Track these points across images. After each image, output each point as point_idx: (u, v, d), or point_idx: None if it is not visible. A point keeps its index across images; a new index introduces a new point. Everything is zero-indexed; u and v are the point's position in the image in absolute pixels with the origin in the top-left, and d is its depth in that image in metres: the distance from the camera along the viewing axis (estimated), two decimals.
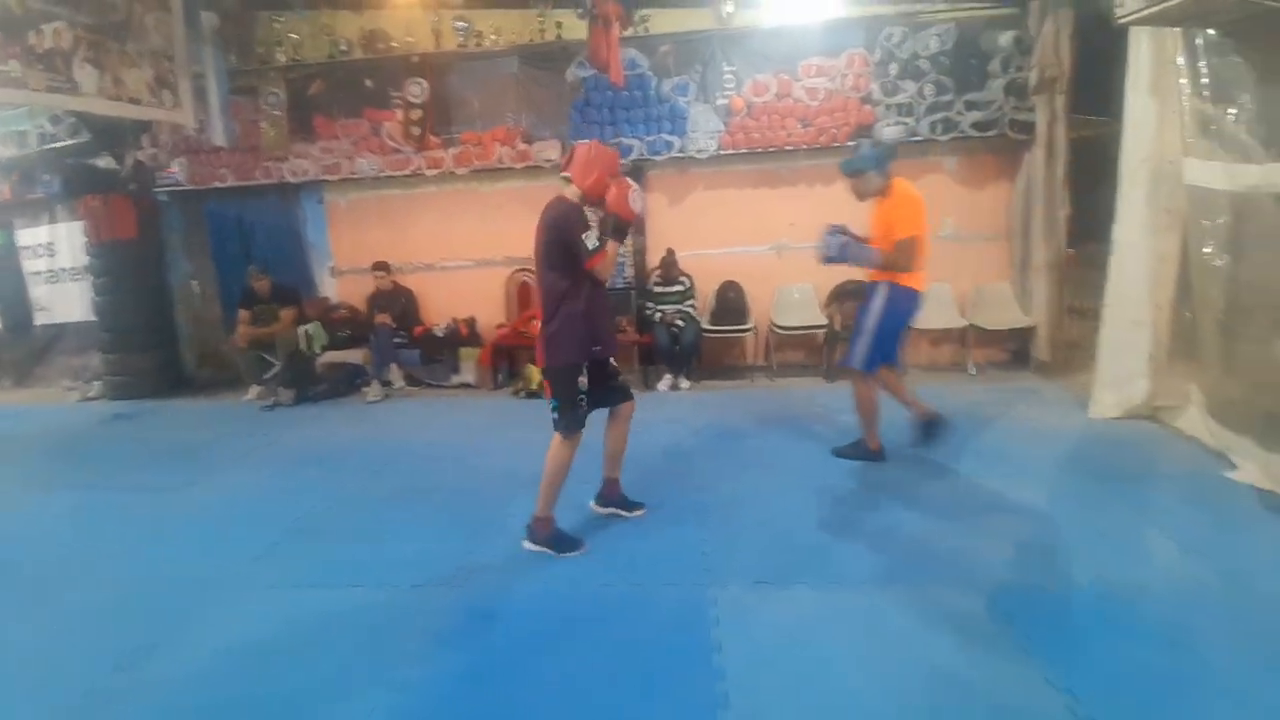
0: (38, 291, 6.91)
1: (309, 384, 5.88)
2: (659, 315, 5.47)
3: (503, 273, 6.16)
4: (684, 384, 5.48)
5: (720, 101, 5.58)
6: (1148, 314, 4.00)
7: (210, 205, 6.54)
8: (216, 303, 6.70)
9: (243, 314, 5.91)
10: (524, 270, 6.11)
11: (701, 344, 5.73)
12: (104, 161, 6.09)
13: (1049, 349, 5.26)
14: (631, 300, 5.83)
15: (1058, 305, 5.23)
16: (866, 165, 3.34)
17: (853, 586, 2.48)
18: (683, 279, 5.60)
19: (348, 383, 6.03)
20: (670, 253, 5.57)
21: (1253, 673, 1.93)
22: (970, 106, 5.29)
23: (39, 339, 7.10)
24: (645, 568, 2.69)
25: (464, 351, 6.03)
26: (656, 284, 5.63)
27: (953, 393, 4.93)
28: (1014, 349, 5.68)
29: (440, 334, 6.03)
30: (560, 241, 2.64)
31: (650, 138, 5.53)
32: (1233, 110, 3.37)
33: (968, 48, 5.30)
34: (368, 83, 5.95)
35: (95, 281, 6.17)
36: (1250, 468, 3.19)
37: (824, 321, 5.54)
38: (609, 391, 2.90)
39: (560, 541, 2.80)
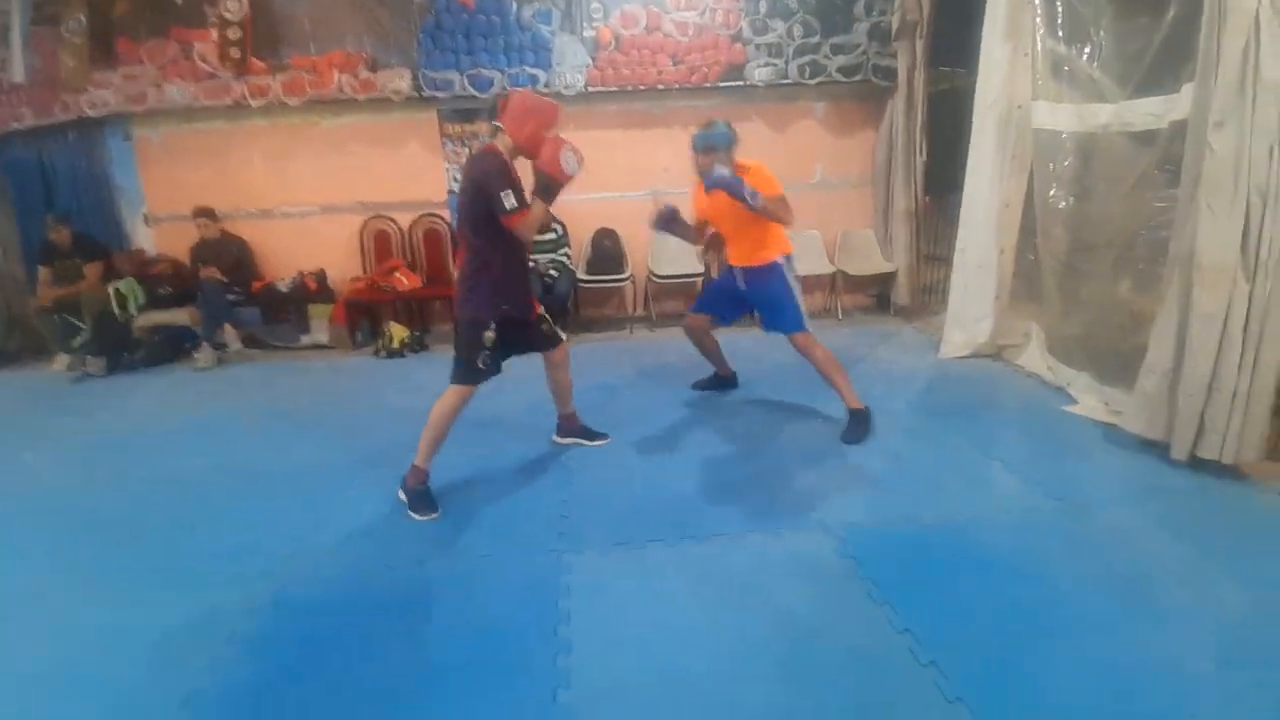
0: None
1: (124, 350, 5.10)
2: (531, 264, 5.15)
3: (355, 220, 5.56)
4: (562, 335, 5.23)
5: (587, 33, 5.20)
6: (993, 257, 4.19)
7: (9, 151, 5.42)
8: (19, 261, 5.63)
9: (43, 272, 5.04)
10: (381, 218, 5.56)
11: (578, 295, 5.51)
12: None
13: (908, 294, 5.48)
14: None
15: (915, 251, 5.43)
16: (722, 143, 3.24)
17: (705, 539, 2.42)
18: (555, 226, 5.30)
19: (173, 347, 5.28)
20: None
21: (1095, 597, 2.03)
22: (836, 50, 5.25)
23: None
24: (498, 535, 2.52)
25: (314, 309, 5.45)
26: None
27: (822, 337, 5.01)
28: (877, 294, 5.89)
29: (284, 289, 5.39)
30: (481, 196, 2.52)
31: (512, 70, 5.08)
32: (1087, 49, 3.48)
33: None
34: None
35: None
36: (1089, 400, 3.44)
37: (701, 270, 5.46)
38: (535, 338, 2.95)
39: (420, 500, 2.66)
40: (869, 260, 5.63)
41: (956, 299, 4.34)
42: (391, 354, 5.07)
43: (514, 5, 5.09)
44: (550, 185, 2.58)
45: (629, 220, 5.60)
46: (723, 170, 3.10)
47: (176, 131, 5.39)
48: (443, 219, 5.58)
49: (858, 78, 5.28)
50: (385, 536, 2.56)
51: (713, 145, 3.22)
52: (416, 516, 2.64)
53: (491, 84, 5.06)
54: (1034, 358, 4.04)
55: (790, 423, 3.50)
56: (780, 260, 3.40)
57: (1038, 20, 3.72)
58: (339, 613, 2.12)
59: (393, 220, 5.58)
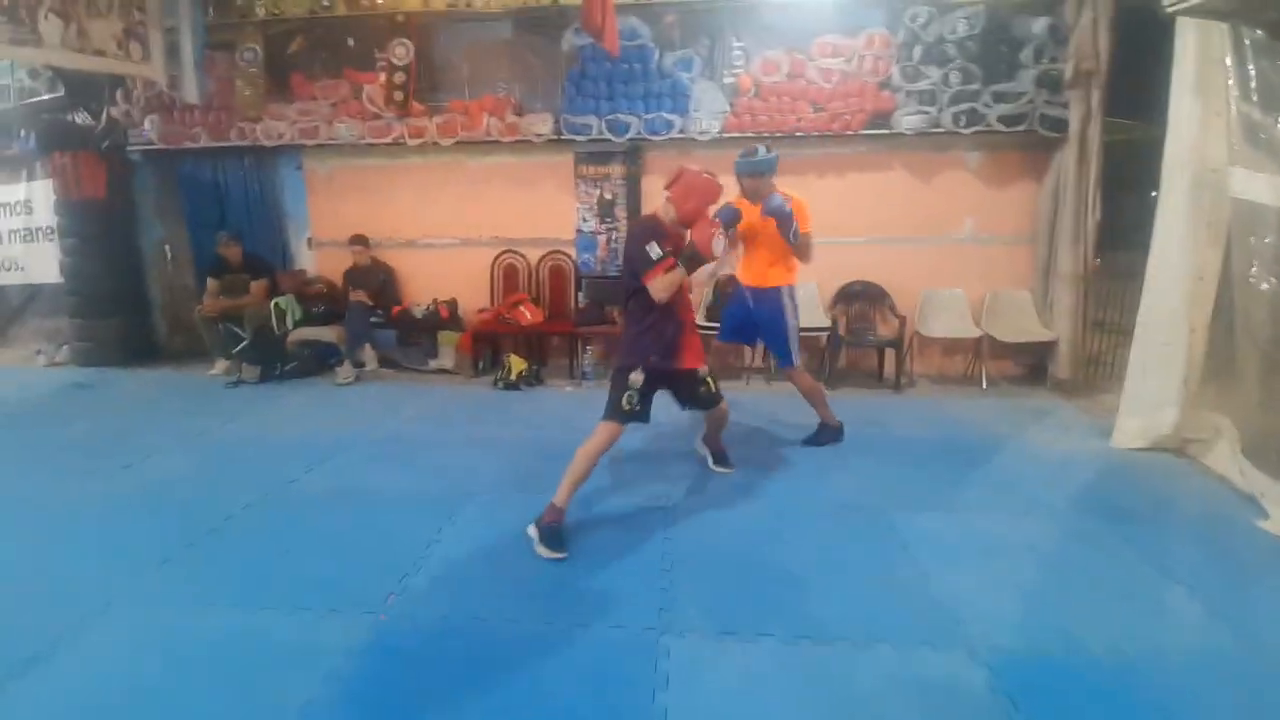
0: (14, 250, 6.58)
1: (278, 361, 5.56)
2: None
3: (489, 253, 5.79)
4: (720, 398, 5.11)
5: (727, 80, 5.16)
6: (1182, 336, 3.60)
7: (185, 167, 6.18)
8: (190, 270, 6.37)
9: (211, 284, 5.60)
10: (511, 252, 5.75)
11: None
12: (80, 117, 5.75)
13: (1069, 365, 4.87)
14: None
15: (1081, 318, 4.82)
16: (768, 168, 3.42)
17: (825, 641, 2.13)
18: None
19: (320, 361, 5.71)
20: None
21: None
22: (998, 98, 4.85)
23: (14, 298, 6.81)
24: (596, 599, 2.36)
25: (443, 335, 5.69)
26: None
27: (962, 408, 4.58)
28: (1031, 363, 5.28)
29: (419, 315, 5.68)
30: (632, 250, 2.75)
31: (649, 115, 5.12)
32: None
33: (998, 34, 4.85)
34: (350, 41, 5.55)
35: (63, 242, 5.86)
36: None
37: (827, 323, 5.16)
38: (691, 396, 3.08)
39: (552, 538, 2.65)
40: (1023, 325, 5.07)
41: (1135, 379, 3.76)
42: (509, 385, 5.16)
43: (656, 53, 5.15)
44: (694, 259, 2.70)
45: None
46: (783, 201, 3.32)
47: (342, 165, 5.91)
48: (568, 256, 5.69)
49: (1021, 127, 4.83)
50: (484, 582, 2.49)
51: (761, 170, 3.41)
52: (544, 553, 2.62)
53: (628, 128, 5.12)
54: (1223, 458, 3.40)
55: (928, 503, 3.12)
56: (785, 288, 3.66)
57: (1230, 83, 3.23)
58: (430, 665, 2.05)
59: (522, 255, 5.75)
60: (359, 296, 5.52)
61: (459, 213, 5.81)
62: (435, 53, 5.62)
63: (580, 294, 5.61)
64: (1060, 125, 4.74)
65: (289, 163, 6.02)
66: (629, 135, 5.13)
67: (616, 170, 5.40)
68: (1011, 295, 5.20)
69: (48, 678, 1.99)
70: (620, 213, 5.46)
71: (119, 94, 5.81)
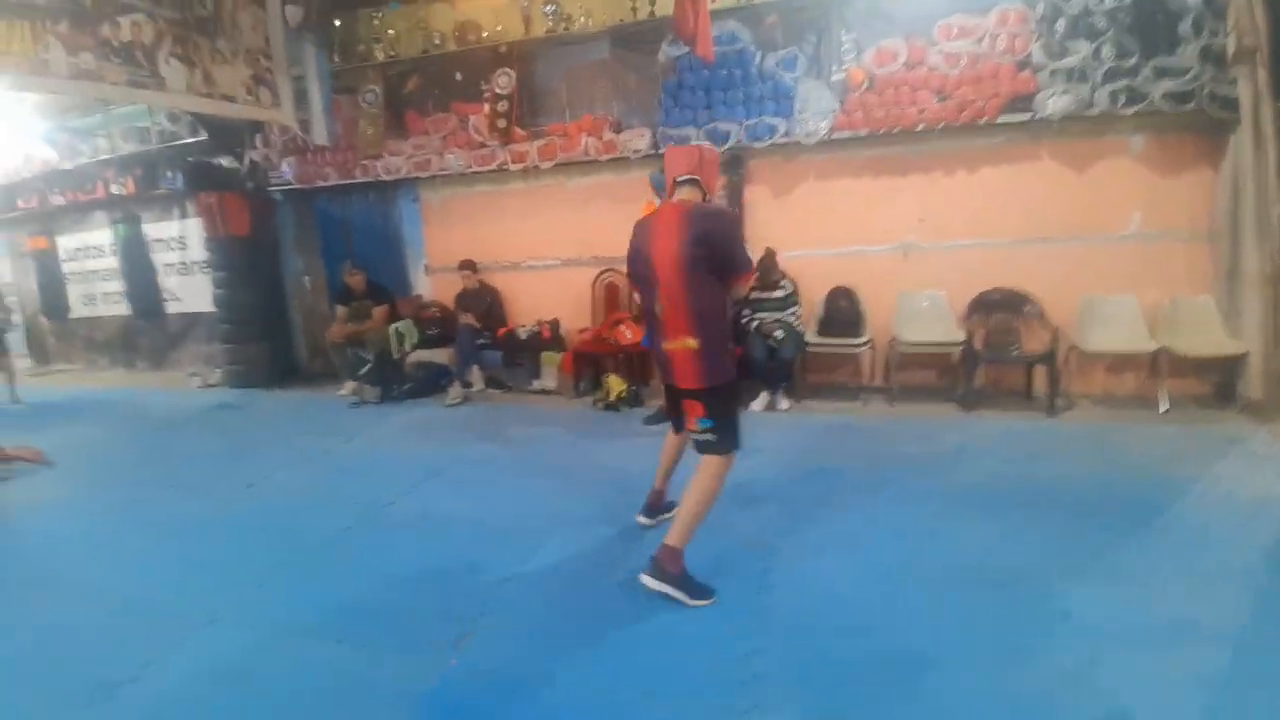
0: (170, 282, 7.46)
1: (396, 382, 5.82)
2: (755, 324, 4.78)
3: (590, 273, 5.74)
4: (783, 404, 4.76)
5: (836, 76, 4.77)
6: None
7: (319, 203, 6.70)
8: (325, 298, 6.89)
9: (340, 310, 5.97)
10: (612, 271, 5.66)
11: (805, 359, 4.98)
12: (226, 160, 6.40)
13: (1263, 384, 3.99)
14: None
15: (1274, 327, 3.94)
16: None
17: None
18: (784, 283, 4.86)
19: (433, 382, 5.90)
20: (770, 253, 4.85)
21: None
22: (1161, 73, 4.10)
23: (173, 326, 7.70)
24: (670, 665, 2.07)
25: (546, 355, 5.70)
26: (754, 289, 4.92)
27: (1133, 437, 3.84)
28: (1218, 381, 4.39)
29: (523, 336, 5.74)
30: (726, 251, 2.36)
31: (751, 121, 4.84)
32: None
33: (1152, 3, 4.12)
34: (457, 76, 5.75)
35: (214, 275, 6.52)
36: None
37: (960, 337, 4.58)
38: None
39: (694, 587, 2.35)
40: (1207, 337, 4.22)
41: None
42: (608, 406, 5.04)
43: (756, 55, 4.88)
44: None
45: (870, 278, 4.97)
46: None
47: (452, 194, 6.13)
48: None
49: (1189, 106, 4.06)
50: (557, 628, 2.30)
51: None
52: (695, 603, 2.32)
53: (728, 137, 4.88)
54: None
55: (1092, 565, 2.54)
56: None
57: None
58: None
59: (622, 274, 5.63)
60: (467, 319, 5.66)
61: (560, 233, 5.82)
62: (536, 79, 5.70)
63: None
64: (1231, 104, 3.95)
65: (406, 195, 6.35)
66: (729, 144, 4.88)
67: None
68: (1191, 301, 4.35)
69: (131, 696, 2.03)
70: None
71: (258, 138, 6.40)
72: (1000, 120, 4.44)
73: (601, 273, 5.70)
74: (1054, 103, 4.29)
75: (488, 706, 1.94)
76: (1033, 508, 3.01)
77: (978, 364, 4.58)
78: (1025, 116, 4.39)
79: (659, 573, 2.36)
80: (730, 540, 2.80)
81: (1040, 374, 4.51)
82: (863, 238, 5.01)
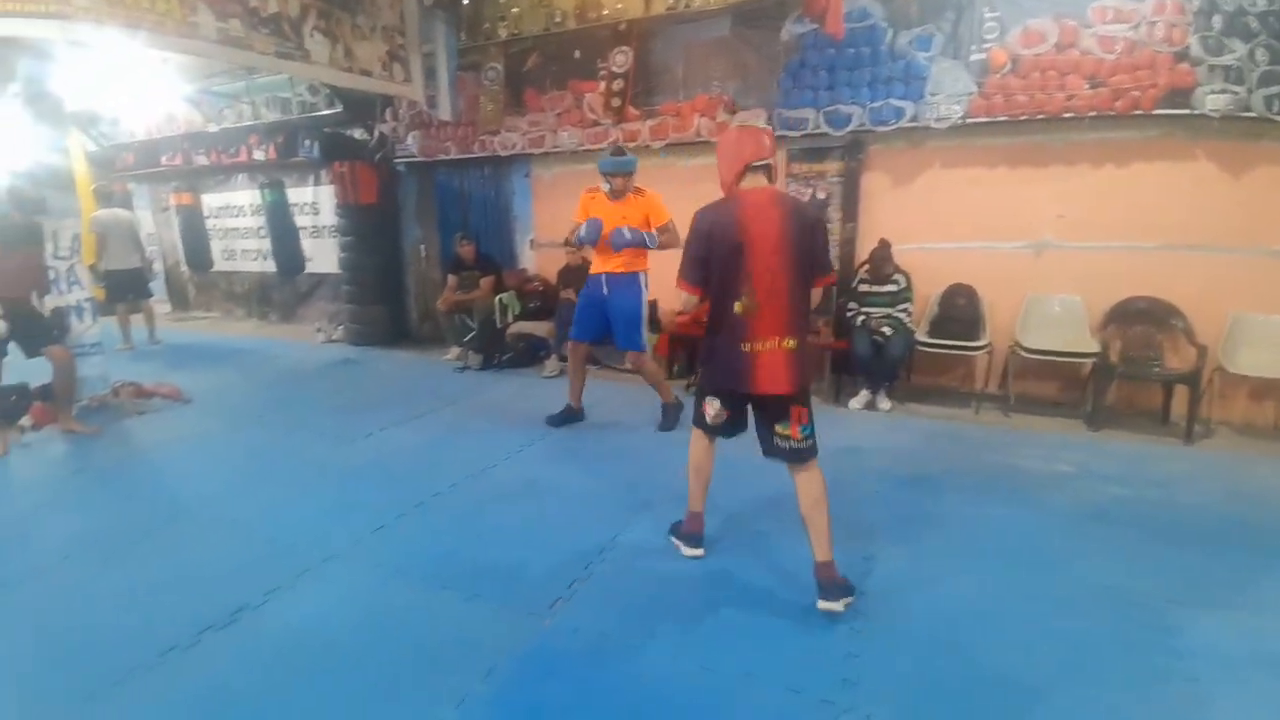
0: (304, 244, 8.04)
1: (497, 351, 6.04)
2: (861, 319, 4.59)
3: None
4: (884, 404, 4.56)
5: (975, 56, 4.44)
6: None
7: (439, 176, 7.01)
8: (438, 266, 7.23)
9: (450, 279, 6.24)
10: None
11: (913, 358, 4.74)
12: (357, 132, 6.81)
13: None
14: (832, 298, 5.01)
15: None
16: (632, 168, 3.91)
17: None
18: (897, 278, 4.62)
19: (532, 354, 6.08)
20: (884, 245, 4.62)
21: None
22: None
23: (303, 285, 8.33)
24: (766, 649, 2.06)
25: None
26: (864, 281, 4.73)
27: (1276, 472, 3.41)
28: None
29: None
30: (824, 248, 2.31)
31: (876, 104, 4.60)
32: None
33: None
34: (576, 54, 5.81)
35: (341, 240, 6.98)
36: None
37: (1094, 348, 4.20)
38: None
39: (843, 589, 2.23)
40: None
41: None
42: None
43: (888, 32, 4.62)
44: None
45: (993, 276, 4.65)
46: (630, 233, 3.85)
47: (563, 171, 6.23)
48: None
49: None
50: (648, 605, 2.32)
51: (628, 170, 3.88)
52: (835, 607, 2.19)
53: (849, 120, 4.67)
54: None
55: (1218, 598, 2.29)
56: (643, 274, 4.02)
57: None
58: (583, 689, 1.92)
59: None
60: (568, 295, 5.76)
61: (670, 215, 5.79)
62: (653, 57, 5.66)
63: None
64: None
65: (519, 170, 6.52)
66: (849, 128, 4.68)
67: (832, 167, 4.95)
68: None
69: (252, 626, 2.24)
70: (834, 213, 4.99)
71: (388, 112, 6.74)
72: (1156, 112, 3.99)
73: None
74: (1213, 100, 3.81)
75: (581, 671, 1.99)
76: (1158, 536, 2.76)
77: (1112, 379, 4.18)
78: (1184, 111, 3.93)
79: (833, 591, 2.22)
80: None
81: (1181, 395, 4.07)
82: (990, 233, 4.67)
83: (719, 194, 2.34)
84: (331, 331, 7.40)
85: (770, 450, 2.32)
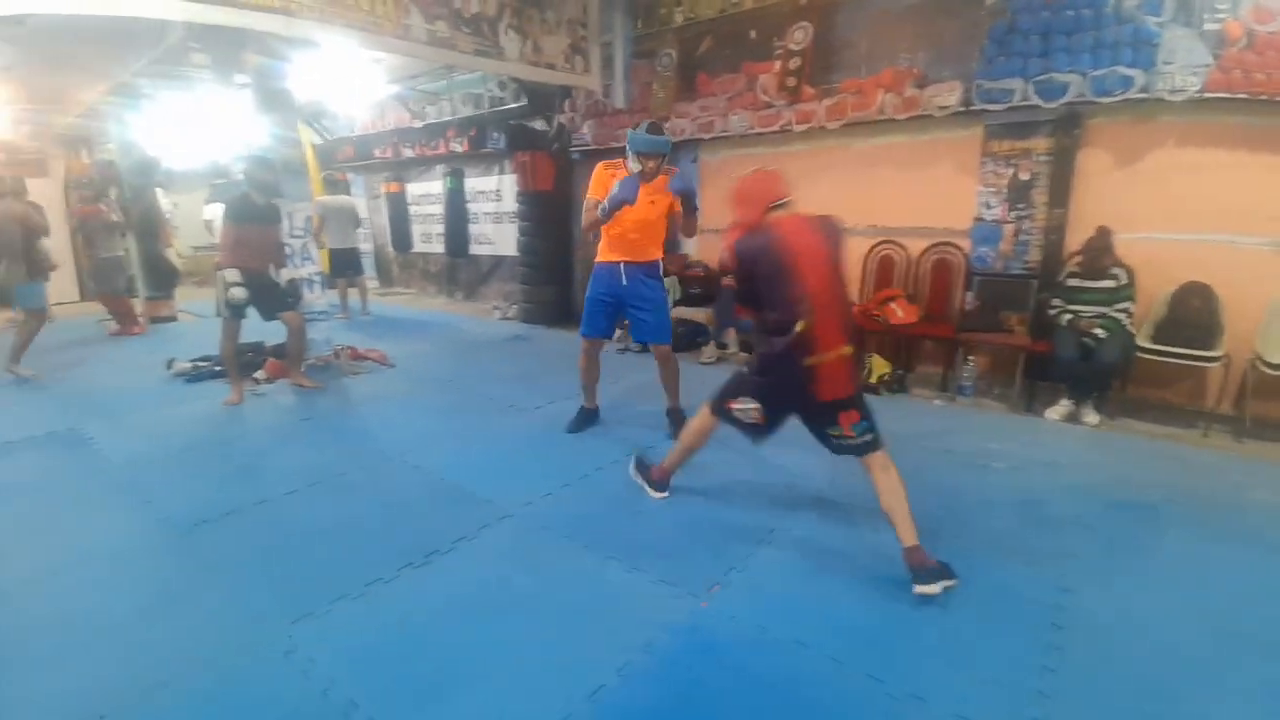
0: (486, 228, 8.73)
1: None
2: (1068, 318, 4.06)
3: (863, 244, 5.38)
4: (1090, 417, 4.00)
5: (1209, 26, 3.73)
6: None
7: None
8: None
9: None
10: (890, 243, 5.24)
11: (1130, 366, 4.10)
12: (539, 123, 7.22)
13: None
14: (1030, 292, 4.49)
15: None
16: (669, 147, 3.50)
17: None
18: (1116, 271, 4.01)
19: (690, 339, 6.12)
20: (1104, 233, 4.00)
21: None
22: None
23: (484, 265, 9.04)
24: (941, 669, 1.91)
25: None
26: (1074, 275, 4.16)
27: None
28: None
29: None
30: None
31: (1099, 72, 4.00)
32: None
33: None
34: (751, 34, 5.68)
35: (520, 224, 7.47)
36: None
37: None
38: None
39: (936, 572, 2.22)
40: None
41: None
42: (867, 388, 4.73)
43: None
44: None
45: (1235, 276, 3.90)
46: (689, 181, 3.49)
47: (730, 155, 6.15)
48: (959, 250, 4.91)
49: None
50: (808, 601, 2.25)
51: (664, 150, 3.42)
52: (932, 590, 2.18)
53: (1064, 90, 4.12)
54: None
55: None
56: (661, 261, 3.77)
57: None
58: (739, 675, 1.90)
59: (902, 247, 5.19)
60: (728, 283, 5.71)
61: (837, 199, 5.49)
62: (835, 32, 5.37)
63: (969, 294, 4.80)
64: None
65: (687, 155, 6.53)
66: (1064, 99, 4.12)
67: (1040, 144, 4.39)
68: None
69: (443, 568, 2.48)
70: (1038, 196, 4.45)
71: (566, 103, 7.06)
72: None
73: (877, 244, 5.30)
74: None
75: (736, 655, 1.98)
76: None
77: None
78: None
79: (925, 575, 2.20)
80: (1023, 557, 2.50)
81: None
82: (1233, 224, 3.91)
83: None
84: (506, 309, 7.98)
85: (837, 449, 2.46)
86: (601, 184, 3.50)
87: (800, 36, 5.19)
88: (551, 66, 5.13)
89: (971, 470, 3.29)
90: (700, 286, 6.14)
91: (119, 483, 3.30)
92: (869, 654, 1.98)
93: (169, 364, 5.38)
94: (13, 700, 1.85)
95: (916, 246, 5.12)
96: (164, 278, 7.95)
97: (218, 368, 5.04)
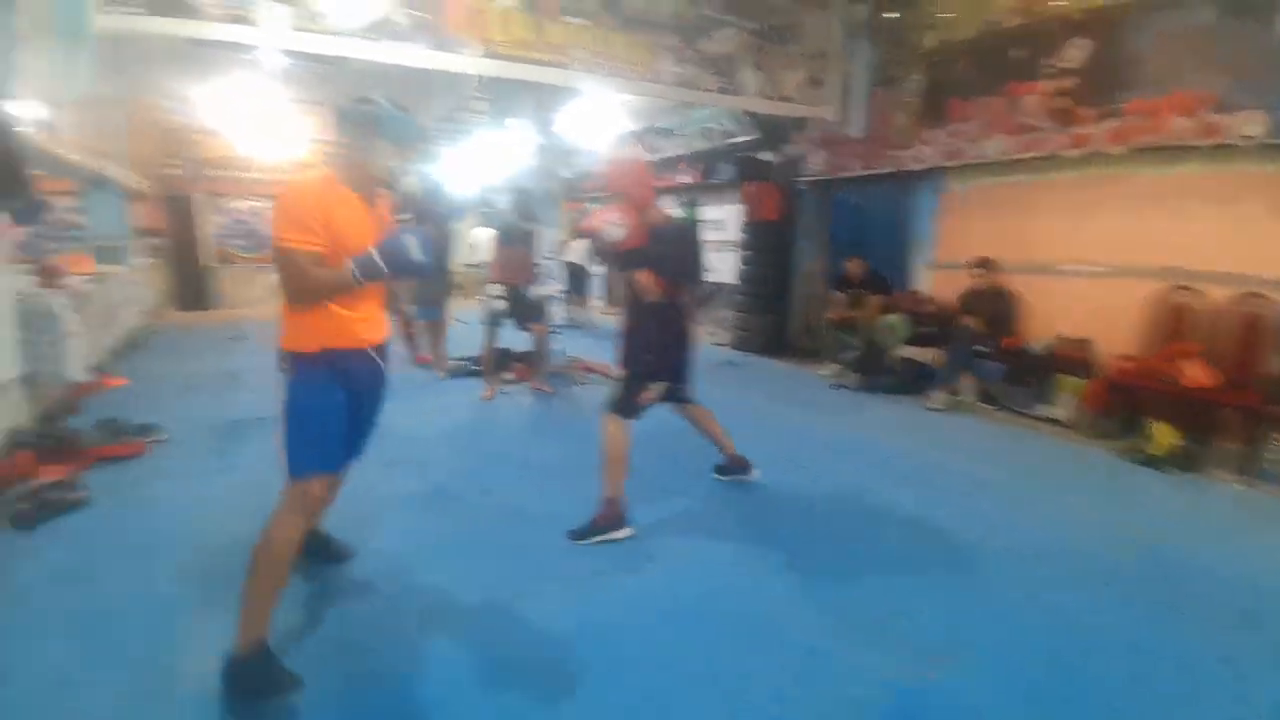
0: (709, 257, 8.94)
1: (877, 373, 5.82)
2: None
3: (1146, 287, 4.56)
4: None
5: None
6: None
7: (837, 193, 7.07)
8: (822, 282, 7.32)
9: (838, 296, 6.25)
10: (1186, 289, 4.38)
11: None
12: (768, 154, 7.30)
13: None
14: None
15: None
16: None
17: None
18: None
19: (914, 381, 5.68)
20: None
21: None
22: None
23: (705, 291, 9.27)
24: None
25: (1063, 380, 4.81)
26: None
27: None
28: None
29: (1036, 351, 4.98)
30: None
31: None
32: None
33: None
34: (1014, 53, 5.16)
35: (742, 253, 7.58)
36: None
37: None
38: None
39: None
40: None
41: None
42: (1147, 460, 3.98)
43: None
44: None
45: None
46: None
47: (981, 185, 5.64)
48: (1273, 301, 3.94)
49: None
50: (1035, 681, 1.94)
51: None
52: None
53: None
54: None
55: None
56: None
57: None
58: None
59: (1199, 293, 4.31)
60: (969, 322, 5.21)
61: (1115, 234, 4.77)
62: (1118, 48, 4.68)
63: None
64: None
65: (928, 186, 6.13)
66: None
67: None
68: None
69: (655, 568, 2.56)
70: None
71: (799, 134, 7.04)
72: None
73: (1168, 288, 4.46)
74: None
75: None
76: None
77: None
78: None
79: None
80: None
81: None
82: None
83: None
84: (719, 335, 8.11)
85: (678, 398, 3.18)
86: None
87: (1075, 54, 4.62)
88: (788, 99, 5.16)
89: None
90: (932, 325, 5.69)
91: (400, 455, 3.90)
92: None
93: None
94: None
95: (1218, 294, 4.22)
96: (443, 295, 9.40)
97: (475, 366, 5.83)
